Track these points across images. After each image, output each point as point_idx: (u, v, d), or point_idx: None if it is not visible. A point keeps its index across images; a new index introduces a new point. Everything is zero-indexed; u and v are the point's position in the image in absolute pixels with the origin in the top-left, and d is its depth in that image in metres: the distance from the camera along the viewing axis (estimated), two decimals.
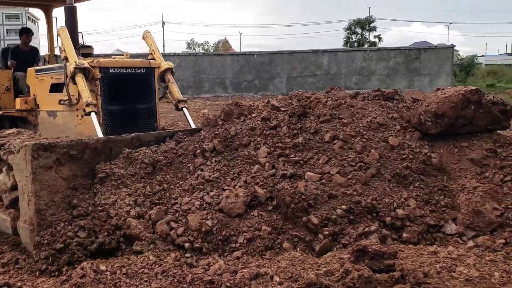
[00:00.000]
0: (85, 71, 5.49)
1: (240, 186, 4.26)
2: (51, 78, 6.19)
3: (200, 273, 3.42)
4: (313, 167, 4.47)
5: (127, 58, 6.00)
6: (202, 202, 4.20)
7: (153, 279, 3.49)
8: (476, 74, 33.15)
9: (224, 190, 4.27)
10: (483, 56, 61.20)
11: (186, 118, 6.08)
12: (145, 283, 3.47)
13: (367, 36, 54.79)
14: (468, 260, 3.45)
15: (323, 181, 4.28)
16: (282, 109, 5.10)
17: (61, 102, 5.82)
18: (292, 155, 4.57)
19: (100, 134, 5.18)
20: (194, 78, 28.31)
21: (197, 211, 4.10)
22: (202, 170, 4.63)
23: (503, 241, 3.82)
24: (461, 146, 4.76)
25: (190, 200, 4.25)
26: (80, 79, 5.43)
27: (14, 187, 4.54)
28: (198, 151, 4.87)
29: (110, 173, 4.49)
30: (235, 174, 4.46)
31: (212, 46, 75.83)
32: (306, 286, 3.06)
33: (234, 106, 5.16)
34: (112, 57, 6.04)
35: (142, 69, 5.95)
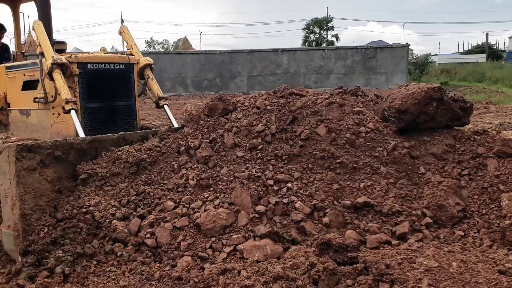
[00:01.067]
0: (63, 67, 5.27)
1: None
2: (24, 75, 5.90)
3: (167, 270, 3.43)
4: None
5: (104, 53, 5.80)
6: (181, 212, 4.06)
7: (121, 277, 3.49)
8: (430, 73, 34.17)
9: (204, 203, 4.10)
10: (436, 55, 63.31)
11: (168, 115, 5.94)
12: (112, 281, 3.47)
13: (325, 36, 55.33)
14: (427, 252, 3.54)
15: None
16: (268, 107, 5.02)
17: (36, 100, 5.56)
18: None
19: (81, 133, 4.98)
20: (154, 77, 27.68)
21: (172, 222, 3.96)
22: (186, 169, 4.53)
23: (461, 233, 3.97)
24: (423, 141, 4.89)
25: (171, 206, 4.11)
26: (58, 75, 5.21)
27: None
28: (182, 148, 4.75)
29: (92, 173, 4.32)
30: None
31: (172, 45, 74.61)
32: (273, 280, 3.11)
33: (219, 101, 5.07)
34: (90, 52, 5.82)
35: (121, 65, 5.77)
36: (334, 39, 54.49)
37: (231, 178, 4.28)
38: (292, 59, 29.35)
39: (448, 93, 5.12)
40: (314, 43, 52.61)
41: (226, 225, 3.84)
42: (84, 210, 4.03)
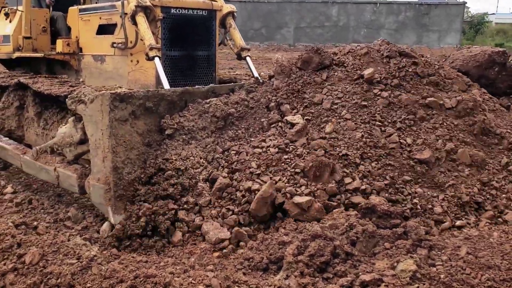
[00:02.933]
0: (146, 10, 4.85)
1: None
2: (100, 18, 5.50)
3: None
4: None
5: None
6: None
7: None
8: (486, 33, 32.35)
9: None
10: (494, 14, 59.97)
11: (250, 68, 5.51)
12: None
13: None
14: (470, 222, 3.60)
15: None
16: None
17: (114, 45, 5.18)
18: None
19: (166, 83, 4.62)
20: None
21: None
22: (276, 128, 4.18)
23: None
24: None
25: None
26: (141, 18, 4.80)
27: (82, 141, 4.02)
28: (272, 104, 4.38)
29: (179, 127, 4.00)
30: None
31: None
32: (311, 238, 3.08)
33: (314, 53, 4.59)
34: None
35: (204, 11, 5.31)
36: None
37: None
38: (342, 11, 28.23)
39: (511, 60, 5.01)
40: None
41: None
42: (171, 166, 3.77)
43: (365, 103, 4.19)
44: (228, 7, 5.52)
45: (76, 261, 3.02)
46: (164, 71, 4.87)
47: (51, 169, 4.24)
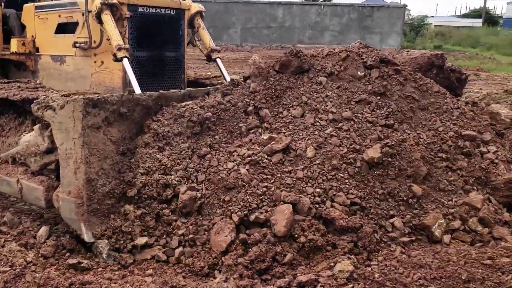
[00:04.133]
0: (112, 8, 4.55)
1: None
2: (59, 16, 5.11)
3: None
4: None
5: None
6: None
7: None
8: (425, 35, 33.66)
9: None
10: (433, 17, 62.45)
11: (220, 70, 5.31)
12: None
13: None
14: None
15: None
16: None
17: (76, 45, 4.83)
18: None
19: (136, 87, 4.35)
20: None
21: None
22: (255, 134, 4.01)
23: None
24: None
25: None
26: (108, 17, 4.49)
27: (49, 151, 3.69)
28: (250, 108, 4.20)
29: (153, 134, 3.74)
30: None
31: None
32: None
33: (293, 56, 4.44)
34: None
35: (172, 11, 5.06)
36: None
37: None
38: (287, 13, 28.55)
39: (447, 63, 5.14)
40: None
41: None
42: (148, 179, 3.51)
43: (349, 114, 4.07)
44: (196, 6, 5.29)
45: (9, 268, 2.93)
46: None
47: (13, 181, 3.86)
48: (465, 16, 71.21)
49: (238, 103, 4.24)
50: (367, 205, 3.48)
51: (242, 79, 4.70)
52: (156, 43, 4.99)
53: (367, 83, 4.33)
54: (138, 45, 4.81)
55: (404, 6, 31.33)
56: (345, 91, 4.24)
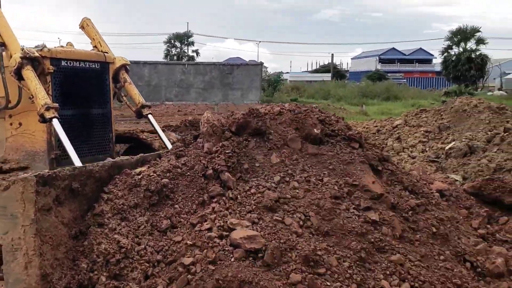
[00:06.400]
0: (34, 63, 4.00)
1: None
2: None
3: None
4: None
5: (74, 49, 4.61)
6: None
7: None
8: (282, 89, 35.94)
9: None
10: (288, 73, 67.02)
11: (154, 127, 4.88)
12: None
13: (186, 50, 55.98)
14: None
15: None
16: None
17: None
18: None
19: (71, 150, 3.80)
20: None
21: None
22: (219, 203, 3.65)
23: None
24: None
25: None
26: (30, 73, 3.96)
27: None
28: (210, 171, 3.82)
29: (105, 210, 3.23)
30: None
31: None
32: None
33: (252, 118, 4.19)
34: (63, 46, 4.57)
35: (96, 64, 4.64)
36: (194, 54, 55.75)
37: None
38: (153, 72, 28.63)
39: None
40: (175, 57, 52.96)
41: None
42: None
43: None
44: (120, 60, 4.92)
45: None
46: (56, 134, 4.03)
47: None
48: (316, 71, 78.07)
49: (195, 166, 3.81)
50: None
51: (192, 137, 4.35)
52: (82, 100, 4.50)
53: None
54: (63, 103, 4.26)
55: (261, 63, 33.38)
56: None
